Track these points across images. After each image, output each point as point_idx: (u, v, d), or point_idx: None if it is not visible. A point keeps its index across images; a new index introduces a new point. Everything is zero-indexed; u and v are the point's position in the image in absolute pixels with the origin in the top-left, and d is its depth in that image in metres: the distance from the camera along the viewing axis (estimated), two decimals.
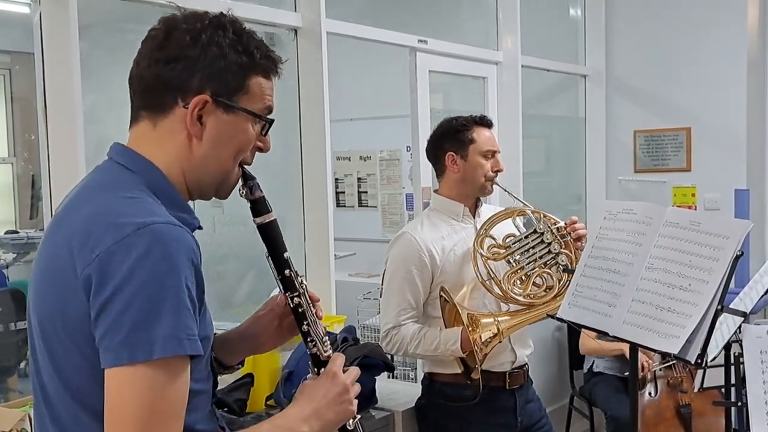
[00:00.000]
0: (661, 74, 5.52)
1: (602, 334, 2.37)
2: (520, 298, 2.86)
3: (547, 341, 5.24)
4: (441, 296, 2.91)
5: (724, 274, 2.11)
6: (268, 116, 1.55)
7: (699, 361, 2.11)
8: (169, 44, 1.45)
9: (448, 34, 4.68)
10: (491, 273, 2.87)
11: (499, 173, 3.06)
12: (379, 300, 4.83)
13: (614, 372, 4.70)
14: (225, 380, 2.98)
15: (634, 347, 2.42)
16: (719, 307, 2.11)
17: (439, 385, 3.08)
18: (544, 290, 2.88)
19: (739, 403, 2.91)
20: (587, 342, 4.62)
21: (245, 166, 1.57)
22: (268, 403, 3.16)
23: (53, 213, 2.66)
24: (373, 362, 3.18)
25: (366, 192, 6.63)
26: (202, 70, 1.45)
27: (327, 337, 1.68)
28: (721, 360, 3.04)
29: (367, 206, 6.62)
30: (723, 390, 3.10)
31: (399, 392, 3.50)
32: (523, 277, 2.88)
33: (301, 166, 3.75)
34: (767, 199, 5.54)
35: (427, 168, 4.32)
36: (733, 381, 2.88)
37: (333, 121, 3.70)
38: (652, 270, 2.27)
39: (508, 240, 2.92)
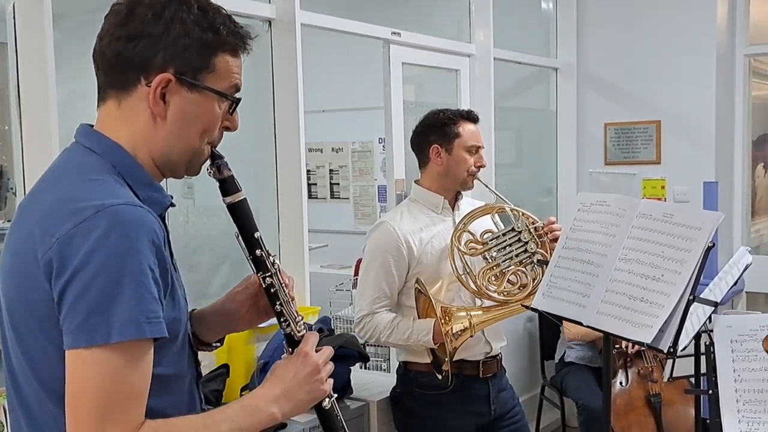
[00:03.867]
0: (632, 68, 5.57)
1: (576, 324, 2.39)
2: (494, 295, 2.88)
3: (518, 332, 5.28)
4: (416, 287, 2.93)
5: (696, 265, 2.14)
6: (236, 95, 1.51)
7: (671, 350, 2.14)
8: (131, 20, 1.41)
9: (422, 27, 4.70)
10: (467, 268, 2.89)
11: (481, 168, 3.09)
12: (351, 291, 4.85)
13: (585, 362, 4.74)
14: (205, 371, 2.98)
15: (608, 337, 2.45)
16: (691, 297, 2.14)
17: (413, 374, 3.10)
18: (518, 288, 2.90)
19: (710, 392, 2.96)
20: (573, 327, 4.65)
21: (213, 146, 1.54)
22: (243, 393, 3.16)
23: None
24: (348, 353, 3.19)
25: (338, 184, 6.64)
26: (165, 47, 1.41)
27: (300, 317, 1.66)
28: (691, 350, 3.08)
29: (339, 198, 6.63)
30: (693, 379, 3.14)
31: (374, 382, 3.51)
32: (498, 274, 2.90)
33: (275, 157, 3.74)
34: (735, 192, 5.62)
35: (400, 160, 4.34)
36: (703, 370, 2.92)
37: (305, 112, 3.70)
38: (626, 261, 2.29)
39: (485, 236, 2.93)
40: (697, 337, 2.92)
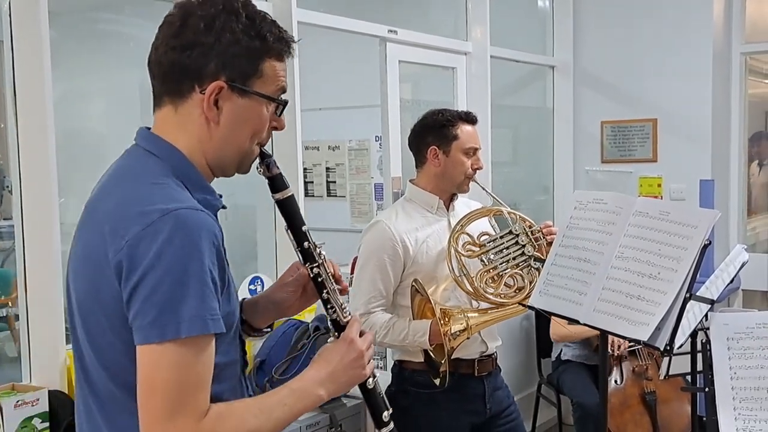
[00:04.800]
0: (628, 66, 5.57)
1: (573, 322, 2.39)
2: (491, 297, 2.87)
3: (514, 330, 5.29)
4: (413, 287, 2.92)
5: (692, 263, 2.14)
6: (282, 97, 1.60)
7: (668, 348, 2.14)
8: (185, 31, 1.50)
9: (418, 25, 4.70)
10: (464, 270, 2.88)
11: (478, 171, 3.08)
12: (348, 289, 4.85)
13: (582, 360, 4.75)
14: None
15: (604, 335, 2.46)
16: (687, 295, 2.15)
17: (408, 373, 3.10)
18: (515, 290, 2.89)
19: (706, 389, 2.96)
20: (558, 329, 4.67)
21: (262, 146, 1.63)
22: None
23: (23, 203, 2.66)
24: None
25: (334, 182, 6.62)
26: (216, 56, 1.50)
27: (346, 304, 1.77)
28: (687, 347, 3.09)
29: (336, 196, 6.61)
30: (689, 377, 3.15)
31: None
32: (495, 277, 2.89)
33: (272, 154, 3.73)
34: (731, 190, 5.63)
35: (396, 158, 4.34)
36: (699, 368, 2.92)
37: (302, 110, 3.70)
38: (622, 259, 2.30)
39: (483, 239, 2.93)
40: (693, 335, 2.92)
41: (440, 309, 2.82)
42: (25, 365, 2.76)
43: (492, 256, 2.90)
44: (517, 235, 2.92)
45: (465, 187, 3.12)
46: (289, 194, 1.71)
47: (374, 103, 4.41)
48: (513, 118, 5.87)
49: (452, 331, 2.80)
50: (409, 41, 4.42)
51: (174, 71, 1.52)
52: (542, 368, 5.17)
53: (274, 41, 1.55)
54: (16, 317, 2.87)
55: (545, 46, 5.87)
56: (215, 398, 1.47)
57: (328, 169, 6.61)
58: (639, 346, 4.38)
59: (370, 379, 1.76)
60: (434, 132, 3.07)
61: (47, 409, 2.62)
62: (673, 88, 5.40)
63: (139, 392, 1.41)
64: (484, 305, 2.93)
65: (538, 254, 2.88)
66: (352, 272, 3.12)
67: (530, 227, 2.94)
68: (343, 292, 1.80)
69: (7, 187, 3.03)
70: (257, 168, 1.67)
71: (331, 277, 1.76)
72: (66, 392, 2.76)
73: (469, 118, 3.11)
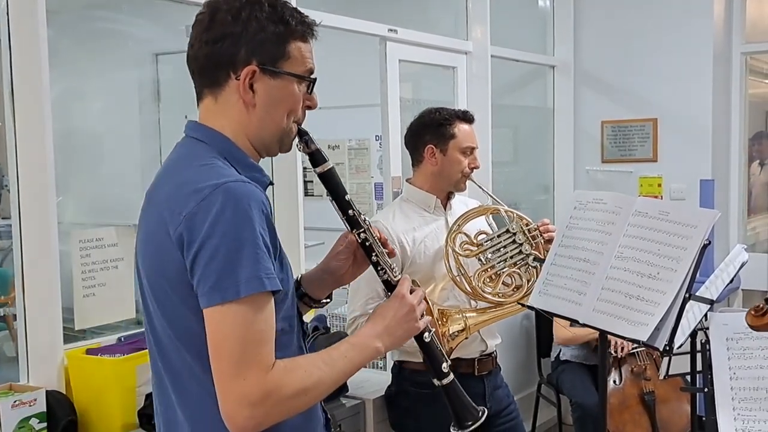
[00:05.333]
0: (629, 65, 5.57)
1: (572, 322, 2.39)
2: (489, 297, 2.86)
3: (515, 329, 5.28)
4: (411, 288, 2.91)
5: (691, 263, 2.14)
6: (311, 76, 1.72)
7: (667, 348, 2.13)
8: (214, 25, 1.64)
9: (418, 24, 4.69)
10: (462, 269, 2.87)
11: (474, 170, 3.07)
12: (347, 289, 4.84)
13: (581, 360, 4.74)
14: None
15: (604, 335, 2.45)
16: (687, 295, 2.14)
17: (408, 373, 3.10)
18: (513, 289, 2.88)
19: (706, 390, 2.96)
20: (561, 332, 4.67)
21: (299, 124, 1.76)
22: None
23: (21, 202, 2.65)
24: None
25: None
26: (246, 44, 1.63)
27: (394, 265, 1.89)
28: (686, 347, 3.08)
29: None
30: (688, 377, 3.14)
31: (369, 380, 3.51)
32: (493, 276, 2.88)
33: None
34: (731, 190, 5.62)
35: (396, 157, 4.33)
36: (699, 368, 2.92)
37: None
38: (622, 259, 2.29)
39: (480, 238, 2.92)
40: (693, 335, 2.92)
41: (438, 310, 2.81)
42: (23, 365, 2.75)
43: (489, 255, 2.89)
44: (515, 234, 2.91)
45: (462, 186, 3.11)
46: (330, 167, 1.82)
47: (374, 103, 4.40)
48: (513, 117, 5.87)
49: (450, 332, 2.79)
50: (410, 40, 4.41)
51: (209, 63, 1.65)
52: (542, 368, 5.17)
53: (296, 24, 1.67)
54: (14, 317, 2.87)
55: (546, 45, 5.87)
56: None
57: None
58: (639, 347, 4.38)
59: (426, 333, 1.87)
60: (431, 130, 3.06)
61: (45, 410, 2.61)
62: (674, 88, 5.39)
63: (210, 354, 1.53)
64: (482, 304, 2.92)
65: (536, 252, 2.87)
66: None
67: (527, 225, 2.93)
68: (391, 254, 1.91)
69: (5, 186, 3.03)
70: (297, 145, 1.78)
71: (377, 241, 1.88)
72: (63, 392, 2.75)
73: (467, 117, 3.11)
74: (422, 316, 1.84)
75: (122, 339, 3.00)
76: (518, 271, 2.88)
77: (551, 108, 5.89)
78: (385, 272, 1.87)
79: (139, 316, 3.69)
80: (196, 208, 1.52)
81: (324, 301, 2.02)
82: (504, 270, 2.88)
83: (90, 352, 2.86)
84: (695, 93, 5.33)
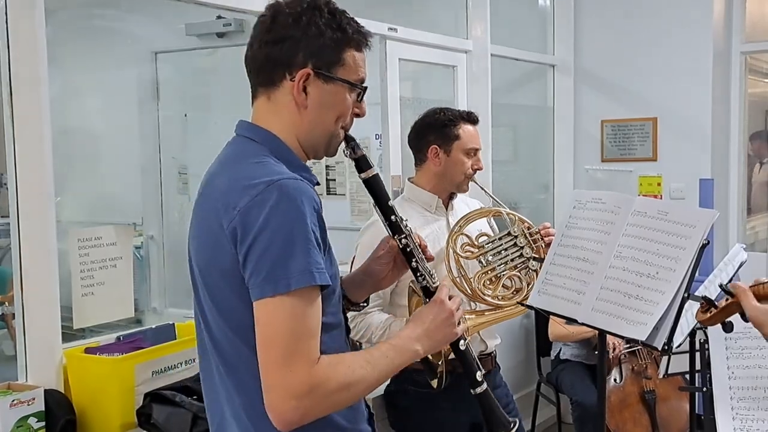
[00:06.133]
0: (629, 65, 5.57)
1: (571, 321, 2.39)
2: (489, 299, 2.84)
3: (514, 328, 5.28)
4: (410, 287, 2.90)
5: (690, 263, 2.13)
6: (362, 85, 1.78)
7: (666, 347, 2.13)
8: (275, 27, 1.70)
9: (419, 23, 4.69)
10: (462, 271, 2.86)
11: (478, 171, 3.07)
12: None
13: (581, 359, 4.74)
14: (194, 368, 2.97)
15: (603, 334, 2.45)
16: (686, 295, 2.14)
17: (407, 372, 3.04)
18: (513, 292, 2.86)
19: (704, 389, 2.96)
20: (556, 328, 4.67)
21: (346, 130, 1.81)
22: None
23: (19, 201, 2.64)
24: None
25: (334, 180, 6.61)
26: (304, 47, 1.69)
27: (433, 271, 1.94)
28: (685, 346, 3.08)
29: (336, 194, 6.59)
30: (688, 376, 3.14)
31: None
32: (493, 278, 2.86)
33: None
34: (731, 189, 5.62)
35: (396, 156, 4.33)
36: (698, 367, 2.92)
37: None
38: (621, 258, 2.29)
39: (481, 240, 2.90)
40: (692, 334, 2.92)
41: None
42: (21, 364, 2.75)
43: (490, 258, 2.87)
44: (516, 237, 2.89)
45: (464, 187, 3.11)
46: (374, 173, 1.88)
47: (374, 101, 4.39)
48: (513, 116, 5.87)
49: None
50: (410, 39, 4.41)
51: (268, 63, 1.71)
52: (542, 367, 5.17)
53: (353, 33, 1.73)
54: (13, 316, 2.87)
55: (546, 44, 5.87)
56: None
57: (327, 167, 6.60)
58: (638, 347, 4.38)
59: (462, 341, 1.91)
60: (436, 131, 3.06)
61: (43, 409, 2.61)
62: (673, 88, 5.39)
63: (258, 344, 1.57)
64: (481, 306, 2.91)
65: (537, 256, 2.86)
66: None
67: (529, 229, 2.91)
68: (429, 259, 1.96)
69: (4, 184, 3.02)
70: (343, 151, 1.84)
71: (418, 247, 1.93)
72: (62, 391, 2.75)
73: (471, 118, 3.10)
74: (459, 323, 1.87)
75: (121, 338, 3.00)
76: (518, 274, 2.86)
77: (551, 107, 5.89)
78: (424, 278, 1.92)
79: (137, 314, 3.70)
80: (251, 203, 1.57)
81: (362, 304, 2.08)
82: (504, 273, 2.86)
83: (89, 351, 2.86)
84: (695, 92, 5.33)
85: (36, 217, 2.70)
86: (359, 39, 1.75)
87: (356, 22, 1.76)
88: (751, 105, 5.73)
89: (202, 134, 4.49)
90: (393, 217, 1.91)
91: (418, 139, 3.12)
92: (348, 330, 1.89)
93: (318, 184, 1.79)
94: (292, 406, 1.55)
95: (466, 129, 3.06)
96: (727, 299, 1.80)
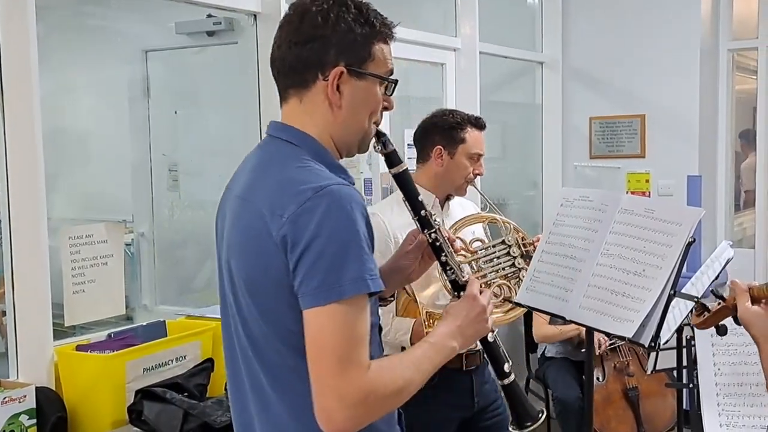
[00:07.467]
0: (617, 62, 5.59)
1: (559, 318, 2.41)
2: None
3: (503, 326, 5.29)
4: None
5: (676, 260, 2.15)
6: (392, 77, 1.76)
7: (652, 344, 2.16)
8: (303, 26, 1.67)
9: (407, 21, 4.69)
10: None
11: (478, 176, 3.08)
12: None
13: (565, 355, 4.77)
14: (185, 365, 2.98)
15: (590, 331, 2.47)
16: (672, 292, 2.16)
17: None
18: (501, 300, 2.86)
19: (691, 385, 2.99)
20: (539, 330, 4.71)
21: (377, 125, 1.79)
22: (227, 387, 3.16)
23: (10, 198, 2.65)
24: None
25: None
26: (335, 45, 1.66)
27: (465, 265, 1.90)
28: (672, 343, 3.11)
29: None
30: (674, 372, 3.17)
31: None
32: (483, 285, 2.87)
33: None
34: (718, 185, 5.66)
35: None
36: (685, 363, 2.95)
37: None
38: (608, 256, 2.30)
39: (475, 245, 2.89)
40: (679, 331, 2.94)
41: (426, 312, 2.80)
42: (12, 361, 2.75)
43: (482, 264, 2.86)
44: (510, 246, 2.87)
45: (463, 191, 3.12)
46: (405, 168, 1.87)
47: None
48: (502, 113, 5.88)
49: None
50: (398, 37, 4.38)
51: (299, 64, 1.68)
52: (530, 363, 5.19)
53: (380, 26, 1.71)
54: (3, 313, 2.87)
55: (534, 42, 5.88)
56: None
57: None
58: (621, 343, 4.41)
59: (490, 334, 1.92)
60: (442, 132, 3.06)
61: (34, 406, 2.61)
62: (661, 85, 5.42)
63: (309, 353, 1.54)
64: None
65: (528, 267, 2.85)
66: None
67: (523, 239, 2.91)
68: (456, 252, 1.97)
69: None
70: (374, 146, 1.83)
71: (447, 241, 1.92)
72: (53, 389, 2.76)
73: (479, 124, 3.11)
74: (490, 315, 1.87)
75: (112, 335, 3.01)
76: (508, 284, 2.86)
77: (540, 104, 5.91)
78: (453, 272, 1.92)
79: (128, 312, 3.70)
80: (300, 210, 1.54)
81: (389, 299, 2.09)
82: (495, 280, 2.85)
83: (80, 348, 2.87)
84: (683, 89, 5.36)
85: (27, 215, 2.70)
86: (386, 31, 1.74)
87: (381, 15, 1.74)
88: (739, 102, 5.76)
89: (193, 132, 4.49)
90: (423, 212, 1.91)
91: (424, 138, 3.12)
92: (380, 328, 1.88)
93: (354, 184, 1.74)
94: (346, 415, 1.53)
95: (472, 133, 3.06)
96: (718, 303, 1.82)
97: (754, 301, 1.72)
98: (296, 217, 1.54)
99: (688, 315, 2.84)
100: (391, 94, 1.78)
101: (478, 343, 3.06)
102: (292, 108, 1.72)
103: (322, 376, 1.53)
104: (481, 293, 1.86)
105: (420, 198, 1.90)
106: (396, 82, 1.77)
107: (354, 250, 1.54)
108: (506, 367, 1.98)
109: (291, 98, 1.72)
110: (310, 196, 1.55)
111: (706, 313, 1.85)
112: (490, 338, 1.93)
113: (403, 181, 1.90)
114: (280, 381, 1.66)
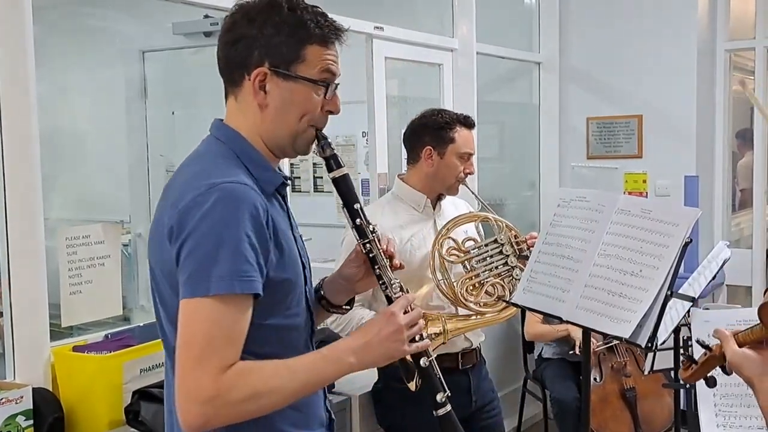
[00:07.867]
0: (614, 62, 5.59)
1: (555, 319, 2.40)
2: (472, 305, 2.83)
3: (500, 326, 5.29)
4: None
5: (673, 261, 2.16)
6: (333, 80, 1.74)
7: (649, 344, 2.16)
8: (233, 28, 1.71)
9: (405, 21, 4.70)
10: (446, 275, 2.85)
11: (469, 175, 3.08)
12: None
13: (562, 356, 4.77)
14: None
15: (587, 332, 2.47)
16: (669, 293, 2.16)
17: (394, 369, 3.09)
18: (495, 299, 2.85)
19: (688, 385, 2.99)
20: (531, 328, 4.71)
21: (318, 128, 1.77)
22: None
23: (7, 198, 2.65)
24: None
25: (321, 177, 6.62)
26: (259, 46, 1.68)
27: (398, 280, 1.85)
28: (670, 343, 3.11)
29: (323, 192, 6.61)
30: (672, 372, 3.17)
31: (355, 376, 3.48)
32: (477, 285, 2.85)
33: None
34: (716, 185, 5.66)
35: (383, 154, 4.34)
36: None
37: None
38: (605, 256, 2.30)
39: (468, 244, 2.89)
40: (676, 331, 2.94)
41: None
42: (9, 362, 2.74)
43: (475, 264, 2.86)
44: (502, 245, 2.88)
45: (454, 191, 3.12)
46: (343, 173, 1.83)
47: (361, 100, 4.41)
48: (499, 114, 5.88)
49: (428, 334, 2.78)
50: (396, 38, 4.42)
51: (228, 64, 1.72)
52: (528, 364, 5.19)
53: (315, 28, 1.70)
54: (1, 314, 2.86)
55: (531, 42, 5.88)
56: (273, 358, 1.63)
57: (314, 164, 6.61)
58: (616, 343, 4.41)
59: (424, 359, 1.83)
60: (432, 132, 3.06)
61: (31, 407, 2.61)
62: (658, 85, 5.43)
63: (177, 342, 1.57)
64: (463, 311, 2.90)
65: (521, 265, 2.85)
66: None
67: (516, 237, 2.91)
68: (395, 268, 1.88)
69: None
70: (314, 149, 1.80)
71: (382, 253, 1.86)
72: (50, 390, 2.75)
73: (468, 123, 3.11)
74: (414, 339, 1.77)
75: (109, 336, 3.01)
76: (501, 282, 2.86)
77: (537, 104, 5.92)
78: (385, 287, 1.85)
79: (125, 312, 3.70)
80: (192, 203, 1.57)
81: (345, 307, 2.02)
82: (488, 280, 2.85)
83: (77, 349, 2.86)
84: (680, 90, 5.36)
85: (24, 215, 2.70)
86: (323, 34, 1.72)
87: (323, 17, 1.73)
88: (736, 102, 5.76)
89: (190, 132, 4.50)
90: (358, 221, 1.84)
91: (414, 138, 3.12)
92: (313, 332, 1.85)
93: (286, 181, 1.77)
94: (195, 411, 1.53)
95: (462, 133, 3.07)
96: (705, 353, 1.81)
97: (740, 345, 1.72)
98: (186, 209, 1.57)
99: (685, 315, 2.84)
100: (326, 97, 1.74)
101: (473, 341, 3.13)
102: (230, 106, 1.76)
103: (180, 367, 1.55)
104: (406, 313, 1.77)
105: (357, 206, 1.84)
106: (328, 85, 1.73)
107: (228, 249, 1.54)
108: (439, 397, 1.85)
109: (229, 96, 1.76)
110: (203, 191, 1.57)
111: (693, 365, 1.84)
112: (423, 363, 1.82)
113: (341, 185, 1.84)
114: (175, 365, 1.65)
